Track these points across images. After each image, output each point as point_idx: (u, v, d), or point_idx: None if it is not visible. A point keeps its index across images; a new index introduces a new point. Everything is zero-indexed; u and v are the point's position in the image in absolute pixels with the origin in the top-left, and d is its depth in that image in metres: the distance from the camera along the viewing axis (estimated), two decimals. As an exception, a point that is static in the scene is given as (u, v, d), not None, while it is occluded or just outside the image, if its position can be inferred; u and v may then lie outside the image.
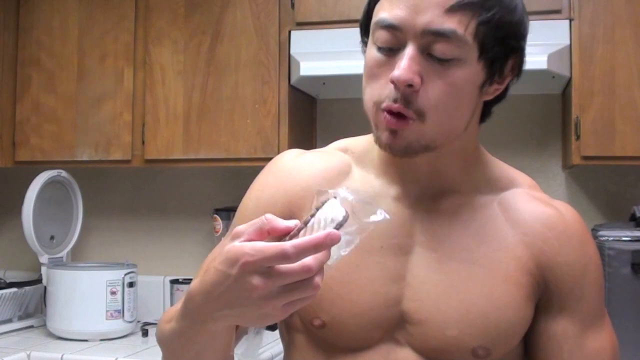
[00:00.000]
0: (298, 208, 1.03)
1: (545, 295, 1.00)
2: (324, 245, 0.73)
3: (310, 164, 1.07)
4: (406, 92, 0.90)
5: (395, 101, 0.90)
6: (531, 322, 1.01)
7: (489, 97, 0.98)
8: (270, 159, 1.15)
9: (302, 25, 2.42)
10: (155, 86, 2.56)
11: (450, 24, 0.89)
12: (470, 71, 0.92)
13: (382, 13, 0.92)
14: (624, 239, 2.04)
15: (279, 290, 0.75)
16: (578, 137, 2.19)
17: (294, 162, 1.08)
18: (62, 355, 2.25)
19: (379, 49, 0.93)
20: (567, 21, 2.21)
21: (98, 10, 2.62)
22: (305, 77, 2.37)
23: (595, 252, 1.04)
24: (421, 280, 0.99)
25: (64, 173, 2.73)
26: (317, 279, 0.75)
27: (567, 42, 2.20)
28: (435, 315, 0.97)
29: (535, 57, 2.15)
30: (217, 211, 2.66)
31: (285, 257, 0.73)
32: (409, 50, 0.90)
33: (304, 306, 1.00)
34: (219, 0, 2.51)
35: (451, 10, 0.89)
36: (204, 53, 2.51)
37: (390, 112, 0.91)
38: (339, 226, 0.76)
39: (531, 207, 1.02)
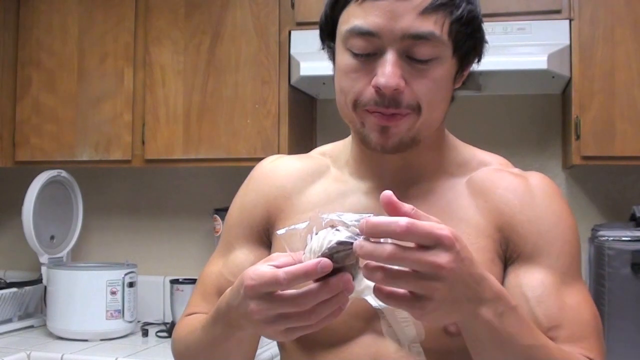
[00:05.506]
0: (275, 208, 1.10)
1: (510, 255, 1.00)
2: (313, 272, 0.75)
3: (285, 165, 1.14)
4: (393, 94, 0.93)
5: (385, 106, 0.93)
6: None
7: (458, 85, 1.03)
8: (270, 158, 1.18)
9: (302, 25, 2.41)
10: (155, 86, 2.56)
11: (427, 26, 0.92)
12: (448, 67, 0.96)
13: (356, 20, 0.94)
14: (623, 239, 2.03)
15: (276, 316, 0.79)
16: (578, 137, 2.19)
17: (270, 166, 1.16)
18: (62, 355, 2.25)
19: (355, 55, 0.95)
20: (567, 21, 2.21)
21: (98, 10, 2.62)
22: (305, 77, 2.36)
23: (568, 215, 1.03)
24: None
25: (64, 173, 2.73)
26: (315, 314, 0.77)
27: (567, 42, 2.19)
28: None
29: (535, 57, 2.15)
30: (217, 211, 2.65)
31: (277, 282, 0.76)
32: (390, 57, 0.92)
33: None
34: (219, 0, 2.51)
35: (426, 12, 0.92)
36: (204, 53, 2.51)
37: (381, 113, 0.94)
38: (331, 251, 0.75)
39: (495, 177, 1.05)
